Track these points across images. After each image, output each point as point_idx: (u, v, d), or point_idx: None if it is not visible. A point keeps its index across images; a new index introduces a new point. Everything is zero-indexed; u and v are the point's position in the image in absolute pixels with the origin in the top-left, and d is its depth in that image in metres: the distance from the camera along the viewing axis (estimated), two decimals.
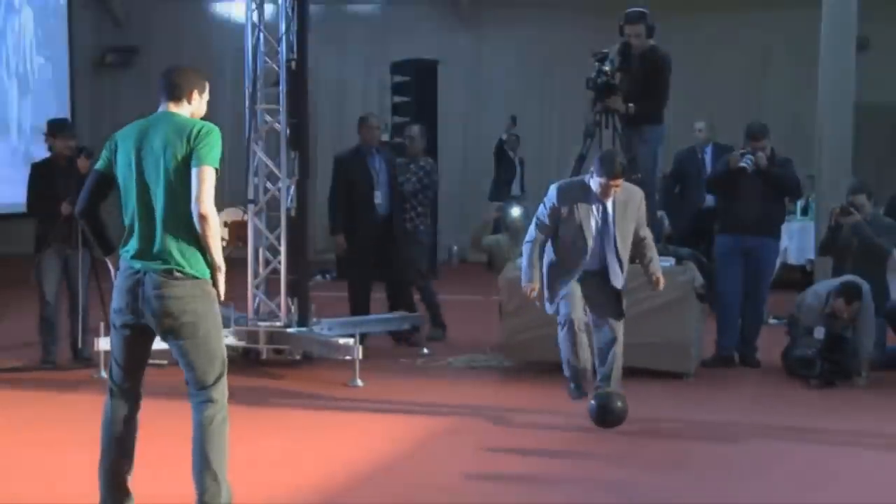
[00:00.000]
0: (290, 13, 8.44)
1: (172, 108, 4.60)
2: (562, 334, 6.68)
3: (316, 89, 13.89)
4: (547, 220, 6.69)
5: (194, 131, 4.44)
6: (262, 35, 8.48)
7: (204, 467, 4.47)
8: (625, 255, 6.67)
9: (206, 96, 4.73)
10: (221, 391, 4.54)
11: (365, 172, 9.22)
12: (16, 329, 9.30)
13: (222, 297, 4.58)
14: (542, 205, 6.78)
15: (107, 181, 4.62)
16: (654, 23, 8.39)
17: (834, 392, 7.78)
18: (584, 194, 6.62)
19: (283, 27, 8.41)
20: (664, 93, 8.48)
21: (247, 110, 8.47)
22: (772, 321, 9.97)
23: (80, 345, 8.38)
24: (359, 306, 9.25)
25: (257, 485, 4.93)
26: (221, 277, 4.52)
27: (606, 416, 6.44)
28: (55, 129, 8.49)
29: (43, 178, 8.31)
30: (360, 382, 7.72)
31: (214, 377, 4.52)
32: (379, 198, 9.23)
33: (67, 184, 8.12)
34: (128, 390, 4.62)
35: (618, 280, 6.66)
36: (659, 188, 10.91)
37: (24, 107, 13.90)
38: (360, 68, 17.27)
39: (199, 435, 4.50)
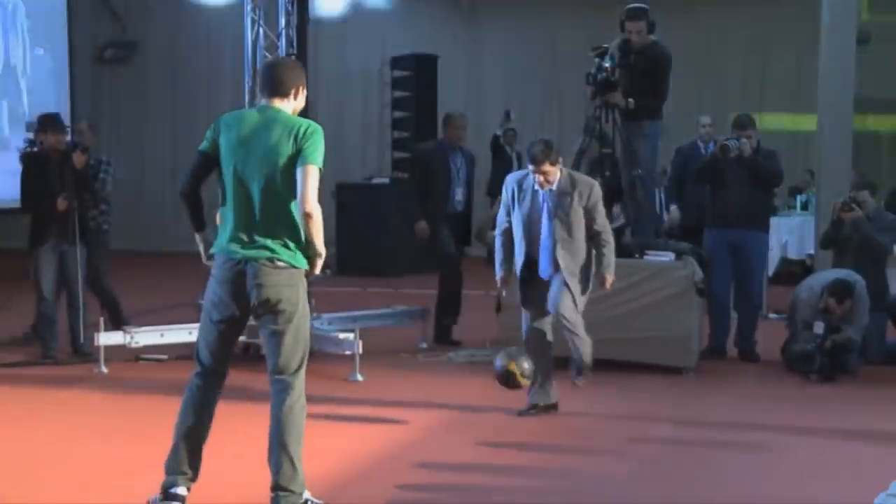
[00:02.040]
0: (289, 8, 8.45)
1: (277, 103, 4.68)
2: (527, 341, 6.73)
3: (316, 84, 13.88)
4: (503, 210, 6.77)
5: (301, 130, 4.57)
6: (261, 30, 8.49)
7: (281, 452, 4.63)
8: (568, 246, 6.51)
9: (305, 91, 4.80)
10: (301, 379, 4.71)
11: (445, 169, 9.16)
12: (14, 324, 9.30)
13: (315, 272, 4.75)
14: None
15: (209, 162, 4.72)
16: (654, 18, 8.40)
17: (834, 387, 7.79)
18: (525, 184, 6.65)
19: (282, 22, 8.43)
20: (664, 88, 8.49)
21: (246, 105, 8.47)
22: (772, 316, 9.97)
23: (80, 340, 8.36)
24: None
25: (256, 480, 4.93)
26: (320, 262, 4.69)
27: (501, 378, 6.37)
28: (46, 124, 8.41)
29: (36, 173, 8.26)
30: (359, 377, 7.73)
31: (297, 365, 4.69)
32: (458, 195, 9.21)
33: (62, 179, 8.11)
34: (216, 372, 4.78)
35: (544, 272, 6.57)
36: (664, 183, 10.94)
37: (19, 100, 13.88)
38: (359, 63, 17.26)
39: (278, 421, 4.66)
